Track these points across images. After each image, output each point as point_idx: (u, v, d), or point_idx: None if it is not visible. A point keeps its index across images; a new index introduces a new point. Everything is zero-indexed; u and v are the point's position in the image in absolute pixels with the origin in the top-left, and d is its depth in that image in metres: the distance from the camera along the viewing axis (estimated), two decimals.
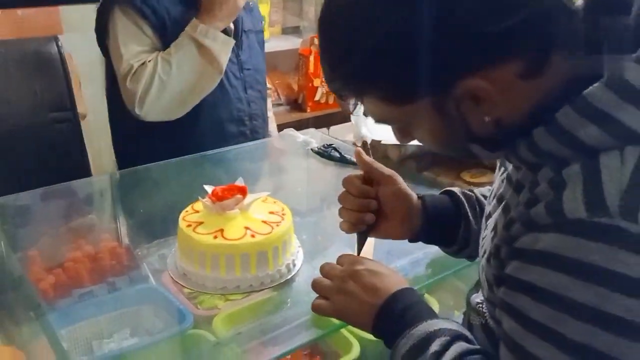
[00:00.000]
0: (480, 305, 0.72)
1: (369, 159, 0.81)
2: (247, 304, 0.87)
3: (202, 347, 0.84)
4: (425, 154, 1.38)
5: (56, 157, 1.54)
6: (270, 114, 1.60)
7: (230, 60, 1.35)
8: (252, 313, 0.87)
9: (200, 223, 0.91)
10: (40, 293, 0.97)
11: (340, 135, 1.70)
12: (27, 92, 1.52)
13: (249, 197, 0.94)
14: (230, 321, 0.87)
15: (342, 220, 0.81)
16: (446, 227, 0.82)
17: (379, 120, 0.62)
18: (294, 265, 0.93)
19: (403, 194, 0.80)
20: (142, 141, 1.41)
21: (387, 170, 0.81)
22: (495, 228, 0.63)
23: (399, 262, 0.94)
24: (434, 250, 0.90)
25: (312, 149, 1.43)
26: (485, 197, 0.83)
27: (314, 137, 1.47)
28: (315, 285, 0.77)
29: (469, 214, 0.81)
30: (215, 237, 0.87)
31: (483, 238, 0.69)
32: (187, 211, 0.95)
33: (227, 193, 0.93)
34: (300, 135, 1.47)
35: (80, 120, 1.60)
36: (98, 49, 1.54)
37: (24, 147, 1.44)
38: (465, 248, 0.83)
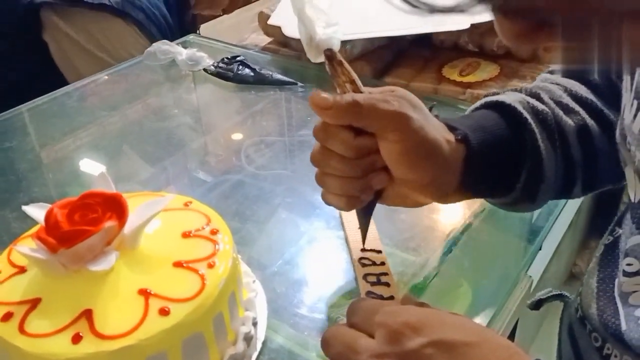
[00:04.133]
0: None
1: (349, 98, 0.43)
2: None
3: None
4: (381, 51, 0.91)
5: None
6: None
7: None
8: None
9: (35, 303, 0.40)
10: None
11: (236, 34, 1.15)
12: None
13: (135, 217, 0.43)
14: None
15: (328, 193, 0.48)
16: (501, 174, 0.49)
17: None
18: (255, 324, 0.47)
19: (422, 149, 0.44)
20: None
21: (389, 109, 0.43)
22: None
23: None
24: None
25: (205, 70, 0.90)
26: (564, 107, 0.51)
27: (204, 49, 0.93)
28: None
29: (542, 148, 0.48)
30: (78, 336, 0.37)
31: None
32: None
33: (82, 218, 0.42)
34: (182, 50, 0.91)
35: None
36: None
37: None
38: (525, 200, 0.50)
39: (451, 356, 0.34)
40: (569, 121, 0.50)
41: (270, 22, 0.96)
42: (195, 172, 0.78)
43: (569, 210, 1.13)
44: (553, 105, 0.50)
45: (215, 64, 0.90)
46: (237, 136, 0.83)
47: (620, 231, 0.46)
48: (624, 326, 0.41)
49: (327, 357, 0.37)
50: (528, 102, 0.50)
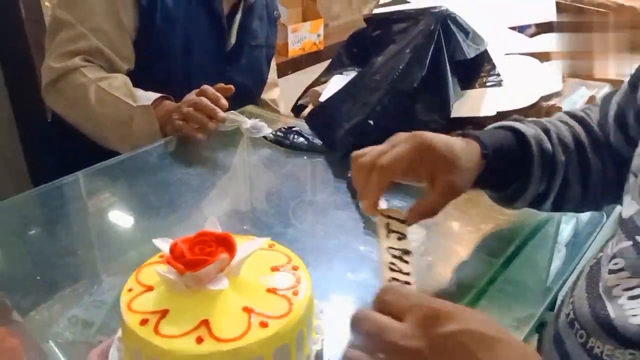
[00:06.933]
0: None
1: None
2: None
3: None
4: None
5: None
6: None
7: (216, 76, 1.14)
8: None
9: (164, 313, 0.52)
10: None
11: (290, 103, 1.31)
12: None
13: (240, 252, 0.56)
14: None
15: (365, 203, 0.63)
16: (502, 178, 0.70)
17: None
18: (322, 343, 0.59)
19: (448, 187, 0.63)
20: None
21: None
22: None
23: None
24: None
25: (265, 137, 1.05)
26: (564, 145, 0.69)
27: (267, 119, 1.09)
28: None
29: (534, 178, 0.68)
30: (200, 338, 0.50)
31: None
32: (130, 290, 0.56)
33: (200, 250, 0.55)
34: (247, 120, 1.07)
35: None
36: None
37: None
38: (507, 201, 0.72)
39: (481, 347, 0.37)
40: (562, 158, 0.68)
41: (321, 99, 1.12)
42: (250, 228, 0.90)
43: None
44: (557, 141, 0.69)
45: (274, 133, 1.05)
46: (289, 194, 0.96)
47: (602, 253, 0.54)
48: (612, 315, 0.45)
49: (355, 335, 0.41)
50: (539, 136, 0.68)
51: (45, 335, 0.69)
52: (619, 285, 0.46)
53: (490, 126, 0.71)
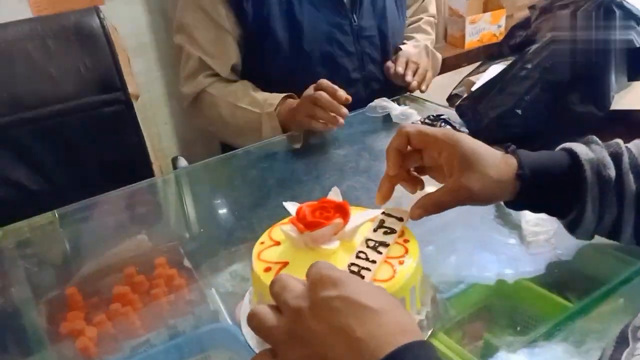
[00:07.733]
0: None
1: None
2: None
3: None
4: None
5: (108, 145, 1.37)
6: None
7: (341, 31, 1.19)
8: None
9: (285, 264, 0.60)
10: (79, 354, 0.74)
11: (445, 93, 1.32)
12: (68, 73, 1.36)
13: (354, 220, 0.62)
14: None
15: None
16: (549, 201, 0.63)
17: None
18: (427, 314, 0.62)
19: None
20: None
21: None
22: None
23: None
24: None
25: (413, 124, 1.09)
26: (636, 170, 0.59)
27: (415, 106, 1.12)
28: (254, 322, 0.45)
29: (589, 207, 0.59)
30: None
31: None
32: (262, 243, 0.65)
33: (320, 215, 0.62)
34: (396, 106, 1.12)
35: (133, 102, 1.43)
36: (146, 18, 1.30)
37: (71, 133, 1.24)
38: (576, 228, 0.63)
39: (351, 313, 0.40)
40: (633, 186, 0.59)
41: (473, 88, 1.12)
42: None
43: None
44: (627, 168, 0.60)
45: (422, 120, 1.08)
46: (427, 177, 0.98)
47: None
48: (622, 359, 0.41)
49: (271, 294, 0.46)
50: (600, 160, 0.59)
51: (209, 283, 0.82)
52: None
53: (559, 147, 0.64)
